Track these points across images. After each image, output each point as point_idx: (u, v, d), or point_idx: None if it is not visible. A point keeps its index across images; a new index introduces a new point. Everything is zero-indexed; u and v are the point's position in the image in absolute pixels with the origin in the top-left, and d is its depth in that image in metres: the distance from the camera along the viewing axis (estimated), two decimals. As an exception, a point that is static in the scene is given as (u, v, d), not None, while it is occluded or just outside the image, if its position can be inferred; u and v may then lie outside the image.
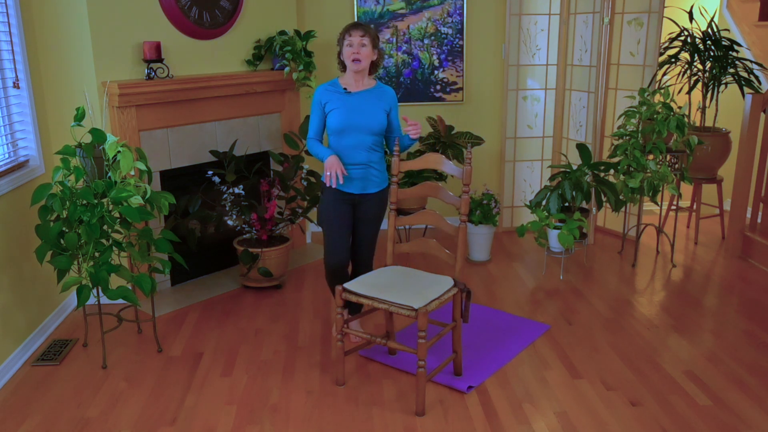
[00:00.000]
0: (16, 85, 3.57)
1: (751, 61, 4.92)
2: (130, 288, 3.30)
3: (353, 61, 3.23)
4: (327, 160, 3.21)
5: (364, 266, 3.53)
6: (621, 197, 4.43)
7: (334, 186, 3.23)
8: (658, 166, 4.38)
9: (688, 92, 5.05)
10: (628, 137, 4.46)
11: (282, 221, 4.31)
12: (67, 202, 3.10)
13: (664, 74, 5.09)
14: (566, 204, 4.45)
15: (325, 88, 3.34)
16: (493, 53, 5.30)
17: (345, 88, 3.31)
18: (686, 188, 5.82)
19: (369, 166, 3.33)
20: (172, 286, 4.35)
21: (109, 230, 3.19)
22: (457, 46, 5.25)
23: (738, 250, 4.85)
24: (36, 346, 3.58)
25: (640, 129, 4.44)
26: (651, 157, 4.39)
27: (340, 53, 3.32)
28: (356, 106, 3.27)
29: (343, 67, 3.36)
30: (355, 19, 5.11)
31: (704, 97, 5.03)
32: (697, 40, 4.98)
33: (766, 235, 4.68)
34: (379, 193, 3.41)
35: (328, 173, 3.19)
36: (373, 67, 3.33)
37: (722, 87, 5.01)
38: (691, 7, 5.28)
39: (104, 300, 3.93)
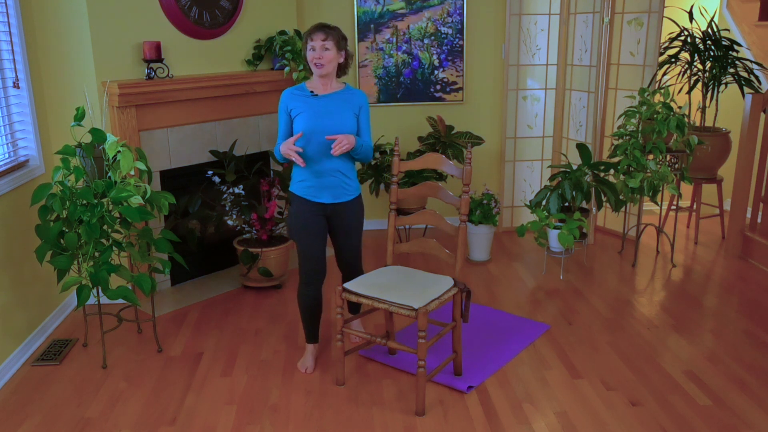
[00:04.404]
0: (16, 85, 3.57)
1: (751, 61, 4.92)
2: (130, 288, 3.30)
3: (315, 65, 3.10)
4: (282, 150, 3.04)
5: (356, 273, 3.41)
6: (621, 197, 4.43)
7: (301, 164, 3.02)
8: (658, 166, 4.38)
9: (688, 92, 5.05)
10: (628, 137, 4.46)
11: (282, 221, 4.31)
12: (67, 202, 3.10)
13: (664, 74, 5.08)
14: (566, 204, 4.45)
15: (291, 92, 3.18)
16: (493, 53, 5.30)
17: (312, 91, 3.18)
18: (686, 188, 5.82)
19: (340, 173, 3.16)
20: (172, 286, 4.35)
21: (109, 230, 3.19)
22: (457, 46, 5.25)
23: (738, 250, 4.85)
24: (36, 346, 3.58)
25: (640, 129, 4.44)
26: (651, 157, 4.39)
27: (305, 55, 3.16)
28: (323, 110, 3.11)
29: (310, 70, 3.22)
30: (355, 20, 5.11)
31: (704, 97, 5.03)
32: (697, 40, 4.98)
33: (766, 235, 4.67)
34: (352, 201, 3.25)
35: (294, 157, 3.00)
36: (340, 69, 3.19)
37: (722, 87, 5.00)
38: (691, 7, 5.27)
39: (104, 300, 3.93)
